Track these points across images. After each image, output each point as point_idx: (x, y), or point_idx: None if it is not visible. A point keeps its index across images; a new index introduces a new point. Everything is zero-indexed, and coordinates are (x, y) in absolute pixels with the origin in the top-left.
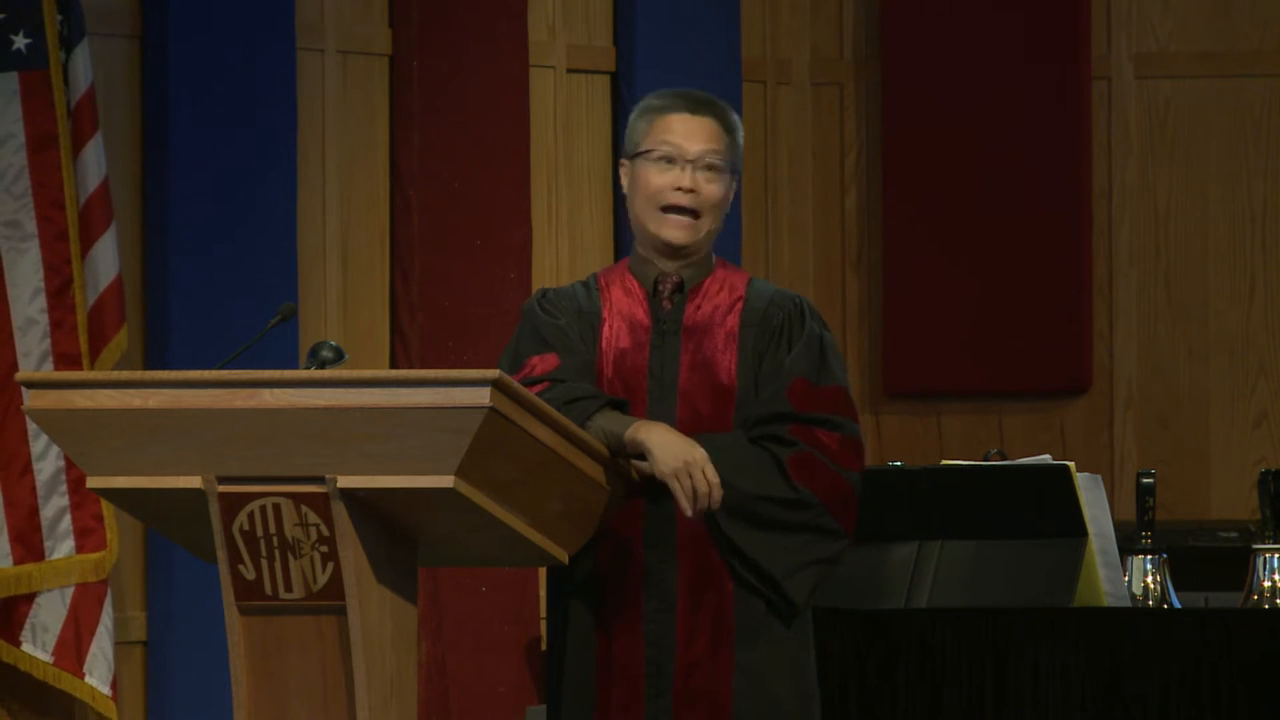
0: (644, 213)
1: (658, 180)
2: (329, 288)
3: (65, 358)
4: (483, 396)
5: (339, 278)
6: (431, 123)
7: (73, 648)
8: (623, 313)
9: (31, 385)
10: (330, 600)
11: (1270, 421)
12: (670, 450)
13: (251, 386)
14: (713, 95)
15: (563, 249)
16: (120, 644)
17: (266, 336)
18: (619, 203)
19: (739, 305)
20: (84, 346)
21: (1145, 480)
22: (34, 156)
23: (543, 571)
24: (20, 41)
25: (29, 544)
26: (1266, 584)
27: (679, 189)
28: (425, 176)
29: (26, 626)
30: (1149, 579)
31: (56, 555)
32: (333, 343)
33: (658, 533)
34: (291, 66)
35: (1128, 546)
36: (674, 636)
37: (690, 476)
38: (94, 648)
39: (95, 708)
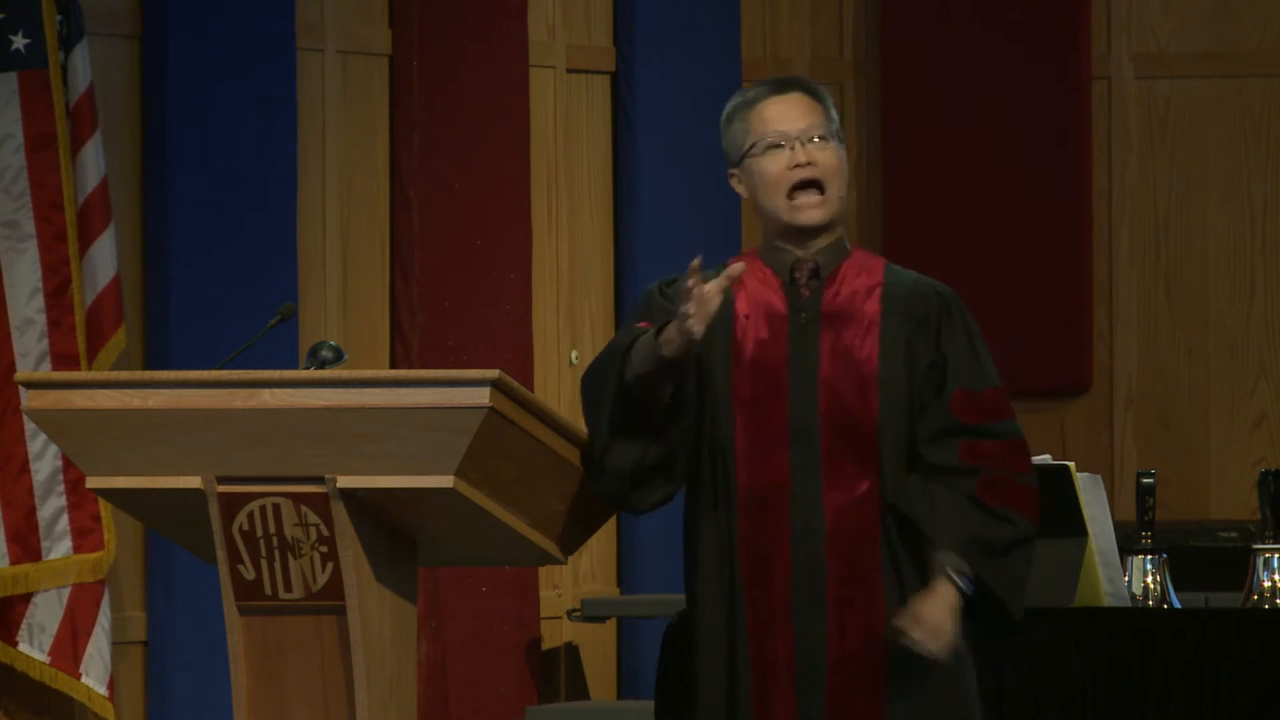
0: (772, 204)
1: (773, 168)
2: (329, 288)
3: (62, 358)
4: (482, 396)
5: (339, 278)
6: (431, 123)
7: (69, 648)
8: (759, 302)
9: (31, 385)
10: (330, 600)
11: (1270, 421)
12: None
13: (251, 387)
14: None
15: (563, 249)
16: (120, 644)
17: (266, 336)
18: (619, 202)
19: (878, 290)
20: (81, 346)
21: (1145, 480)
22: (32, 156)
23: (554, 572)
24: (19, 41)
25: (26, 544)
26: (1266, 584)
27: (797, 166)
28: (425, 176)
29: (23, 626)
30: (1149, 579)
31: (53, 555)
32: (332, 343)
33: (805, 528)
34: (291, 66)
35: (1128, 546)
36: (825, 632)
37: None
38: (90, 648)
39: (92, 708)
